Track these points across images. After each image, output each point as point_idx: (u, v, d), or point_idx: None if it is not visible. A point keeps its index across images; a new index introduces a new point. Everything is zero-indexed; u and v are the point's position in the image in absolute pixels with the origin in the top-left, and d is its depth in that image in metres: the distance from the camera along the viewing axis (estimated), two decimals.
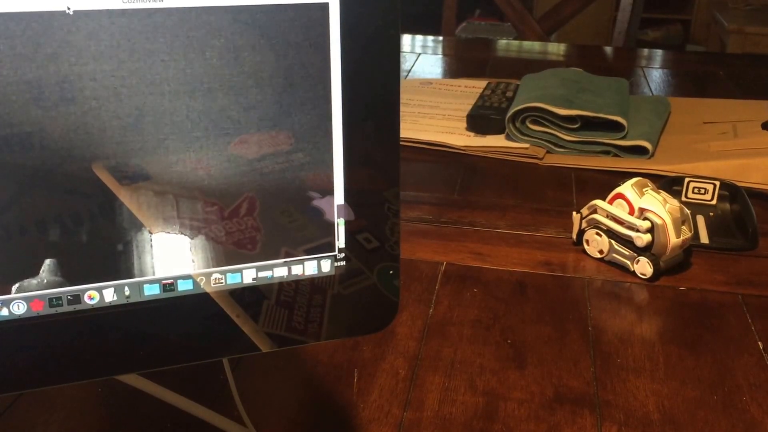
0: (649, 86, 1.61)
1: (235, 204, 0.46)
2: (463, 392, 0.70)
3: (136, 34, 0.41)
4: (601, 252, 0.91)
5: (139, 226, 0.44)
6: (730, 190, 1.02)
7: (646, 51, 1.99)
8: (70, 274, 0.44)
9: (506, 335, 0.78)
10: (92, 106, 0.41)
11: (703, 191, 1.01)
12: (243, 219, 0.47)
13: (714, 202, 1.01)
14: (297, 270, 0.50)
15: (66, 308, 0.45)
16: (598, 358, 0.74)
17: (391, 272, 0.52)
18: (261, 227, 0.47)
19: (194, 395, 0.60)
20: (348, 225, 0.50)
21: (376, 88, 0.48)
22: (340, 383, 0.70)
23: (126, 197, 0.44)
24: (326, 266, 0.50)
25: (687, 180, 1.02)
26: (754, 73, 1.71)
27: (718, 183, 1.01)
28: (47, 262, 0.43)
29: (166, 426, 0.64)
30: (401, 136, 0.49)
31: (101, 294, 0.45)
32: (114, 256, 0.45)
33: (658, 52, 1.94)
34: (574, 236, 0.94)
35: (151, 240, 0.45)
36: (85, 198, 0.43)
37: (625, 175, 0.98)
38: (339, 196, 0.49)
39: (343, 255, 0.50)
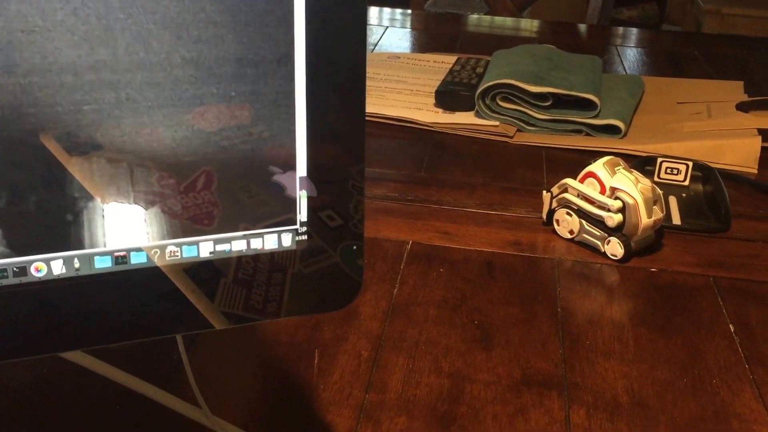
0: (623, 65, 1.59)
1: (192, 178, 0.44)
2: (427, 374, 0.68)
3: None
4: (571, 232, 0.89)
5: (89, 197, 0.42)
6: (703, 171, 1.01)
7: (620, 29, 1.98)
8: (16, 244, 0.42)
9: (473, 316, 0.76)
10: (39, 72, 0.39)
11: (675, 172, 1.00)
12: (200, 193, 0.45)
13: (687, 182, 1.00)
14: (256, 244, 0.48)
15: (11, 280, 0.43)
16: (566, 340, 0.73)
17: (354, 249, 0.51)
18: (218, 202, 0.45)
19: (146, 375, 0.58)
20: (310, 201, 0.48)
21: (341, 60, 0.46)
22: (301, 364, 0.68)
23: (76, 168, 0.42)
24: (287, 240, 0.48)
25: (660, 160, 1.01)
26: (729, 53, 1.70)
27: (691, 163, 1.00)
28: None
29: (115, 408, 0.62)
30: (367, 111, 0.48)
31: (49, 266, 0.43)
32: (63, 227, 0.43)
33: (633, 31, 1.92)
34: (544, 216, 0.93)
35: (102, 211, 0.43)
36: (32, 168, 0.41)
37: (597, 155, 0.96)
38: (301, 169, 0.47)
39: (305, 229, 0.49)
